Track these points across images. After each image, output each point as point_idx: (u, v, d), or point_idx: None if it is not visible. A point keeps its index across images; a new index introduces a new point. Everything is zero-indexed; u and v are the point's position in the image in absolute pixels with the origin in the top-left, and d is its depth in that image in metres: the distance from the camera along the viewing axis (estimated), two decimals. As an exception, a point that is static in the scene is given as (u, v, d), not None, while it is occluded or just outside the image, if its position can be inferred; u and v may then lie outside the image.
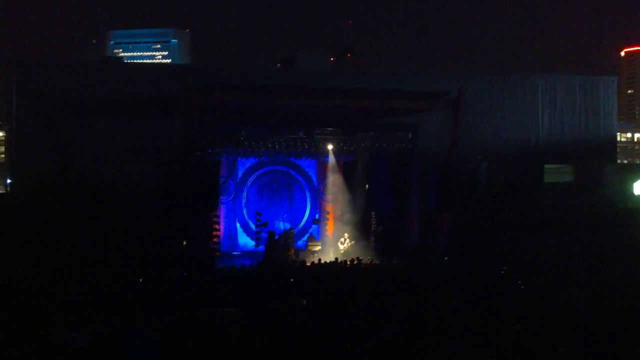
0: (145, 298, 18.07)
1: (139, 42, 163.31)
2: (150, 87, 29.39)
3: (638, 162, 79.29)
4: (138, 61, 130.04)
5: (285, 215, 33.81)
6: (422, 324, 14.89)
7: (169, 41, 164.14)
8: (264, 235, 30.66)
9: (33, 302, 15.32)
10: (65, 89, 28.98)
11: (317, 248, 31.33)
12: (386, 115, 29.81)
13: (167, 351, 12.59)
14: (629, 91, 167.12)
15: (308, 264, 25.80)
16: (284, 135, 30.02)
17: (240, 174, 33.48)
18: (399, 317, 15.46)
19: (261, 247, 30.65)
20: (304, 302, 16.82)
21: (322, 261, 26.69)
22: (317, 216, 34.20)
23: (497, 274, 22.04)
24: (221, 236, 31.36)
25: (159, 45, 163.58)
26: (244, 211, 33.48)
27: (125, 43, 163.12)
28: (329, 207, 34.17)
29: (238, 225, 33.38)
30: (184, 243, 27.16)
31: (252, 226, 32.62)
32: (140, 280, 20.82)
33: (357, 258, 26.15)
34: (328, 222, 33.95)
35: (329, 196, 34.03)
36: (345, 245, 31.35)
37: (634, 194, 35.38)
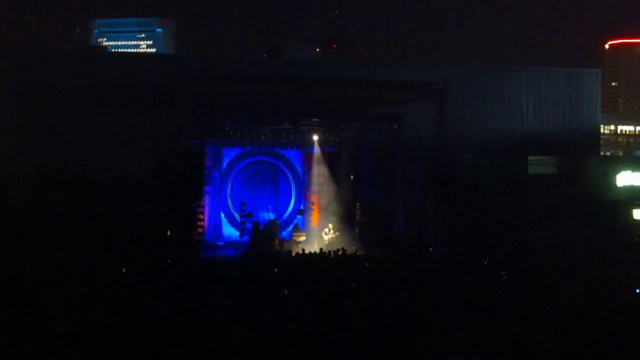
0: (128, 287, 18.01)
1: (123, 32, 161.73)
2: (136, 76, 29.12)
3: (621, 154, 79.90)
4: (123, 50, 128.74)
5: (270, 206, 33.75)
6: (413, 316, 14.96)
7: (153, 30, 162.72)
8: (249, 225, 30.62)
9: (19, 292, 15.23)
10: (49, 78, 28.65)
11: (302, 239, 31.31)
12: (372, 106, 29.81)
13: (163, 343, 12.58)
14: (613, 84, 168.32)
15: (293, 254, 25.81)
16: (270, 125, 29.92)
17: (225, 164, 33.36)
18: (389, 310, 15.52)
19: (245, 238, 30.62)
20: (285, 291, 16.84)
21: (307, 252, 26.71)
22: (302, 207, 34.18)
23: (481, 264, 22.20)
24: (205, 226, 31.30)
25: (143, 35, 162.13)
26: (229, 201, 33.39)
27: (110, 32, 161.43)
28: (313, 197, 34.16)
29: (222, 215, 33.30)
30: (168, 233, 27.04)
31: (237, 217, 32.54)
32: (123, 270, 20.73)
33: (343, 249, 26.21)
34: (313, 212, 33.95)
35: (314, 187, 34.01)
36: (330, 235, 31.38)
37: (616, 186, 35.67)
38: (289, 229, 33.14)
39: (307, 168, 34.15)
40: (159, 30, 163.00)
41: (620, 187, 35.88)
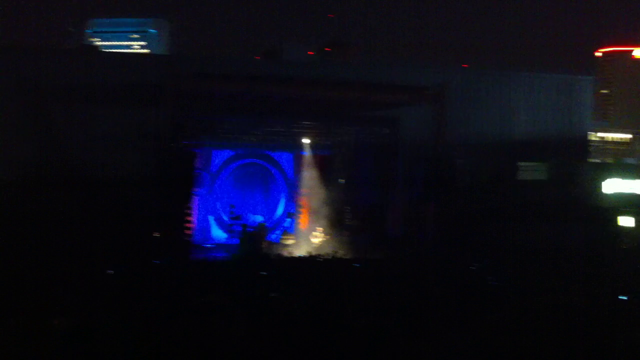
0: (116, 288, 17.90)
1: (117, 32, 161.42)
2: (128, 76, 29.03)
3: (610, 161, 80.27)
4: (116, 51, 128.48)
5: (259, 209, 33.67)
6: (408, 316, 14.94)
7: (147, 31, 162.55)
8: (237, 228, 30.51)
9: (9, 292, 15.14)
10: (42, 76, 28.56)
11: (291, 242, 31.24)
12: (367, 108, 29.78)
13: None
14: (604, 91, 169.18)
15: (281, 257, 25.72)
16: (261, 128, 29.84)
17: (215, 166, 33.25)
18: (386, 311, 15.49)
19: (234, 240, 30.52)
20: (273, 295, 16.76)
21: (295, 255, 26.63)
22: (291, 210, 34.10)
23: (469, 270, 22.18)
24: (194, 228, 31.17)
25: (137, 35, 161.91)
26: (218, 204, 33.27)
27: (104, 32, 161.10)
28: (303, 200, 34.08)
29: (211, 217, 33.16)
30: (157, 234, 26.91)
31: (226, 219, 32.43)
32: (111, 271, 20.58)
33: (334, 252, 26.16)
34: (302, 215, 33.86)
35: (304, 190, 33.93)
36: (319, 239, 31.30)
37: (605, 193, 35.79)
38: (278, 231, 33.04)
39: (298, 171, 34.08)
40: (153, 31, 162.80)
41: (609, 194, 36.02)
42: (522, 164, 35.00)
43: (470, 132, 33.49)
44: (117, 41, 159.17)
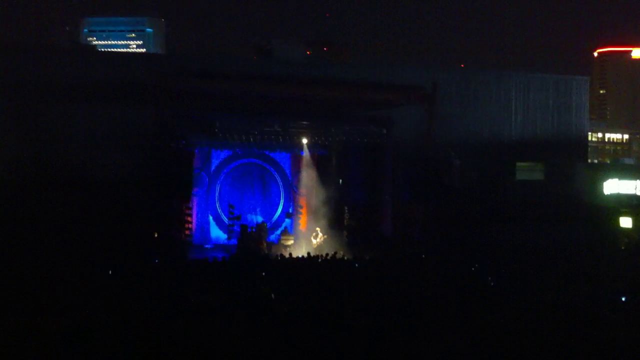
0: (116, 288, 17.92)
1: (113, 31, 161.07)
2: (125, 75, 29.00)
3: (608, 161, 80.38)
4: (113, 50, 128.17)
5: (258, 209, 33.67)
6: (402, 317, 14.98)
7: (143, 30, 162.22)
8: (237, 228, 30.53)
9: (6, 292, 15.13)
10: (37, 75, 28.51)
11: (290, 242, 31.25)
12: (362, 108, 29.82)
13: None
14: (601, 91, 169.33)
15: (280, 257, 25.75)
16: (259, 127, 29.85)
17: (213, 166, 33.26)
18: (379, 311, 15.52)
19: (233, 241, 30.53)
20: (272, 295, 16.79)
21: (295, 255, 26.65)
22: (290, 210, 34.11)
23: (468, 271, 22.23)
24: (193, 228, 31.17)
25: (133, 34, 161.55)
26: (217, 204, 33.26)
27: (100, 31, 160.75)
28: (302, 201, 34.10)
29: (210, 218, 33.16)
30: (155, 234, 26.93)
31: (225, 219, 32.43)
32: (110, 272, 20.59)
33: (335, 253, 26.18)
34: (301, 216, 33.89)
35: (303, 190, 33.96)
36: (318, 239, 31.32)
37: (603, 193, 35.88)
38: (278, 232, 33.06)
39: (296, 171, 34.10)
40: (148, 30, 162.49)
41: (608, 195, 36.09)
42: (519, 164, 35.07)
43: (467, 132, 33.55)
44: (114, 40, 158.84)
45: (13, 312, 13.99)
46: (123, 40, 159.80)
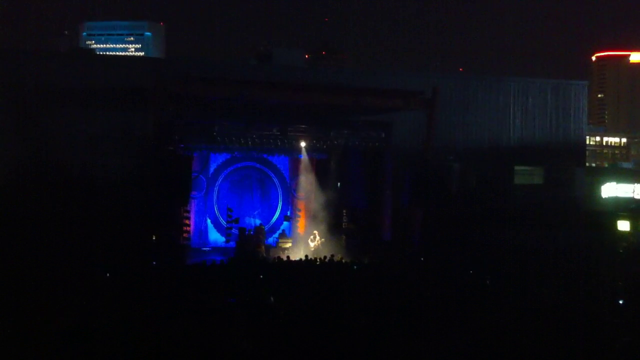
0: (115, 290, 17.93)
1: (112, 35, 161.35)
2: (124, 79, 29.13)
3: (606, 165, 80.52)
4: (111, 53, 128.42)
5: (256, 212, 33.67)
6: (401, 318, 15.00)
7: (142, 34, 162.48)
8: (235, 231, 30.52)
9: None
10: (37, 78, 28.62)
11: (288, 245, 31.25)
12: (361, 113, 29.91)
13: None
14: (599, 95, 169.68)
15: (278, 261, 25.77)
16: (258, 131, 29.90)
17: (212, 169, 33.28)
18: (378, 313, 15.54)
19: (232, 244, 30.52)
20: (272, 299, 16.80)
21: (292, 259, 26.65)
22: (288, 213, 34.13)
23: (467, 273, 22.24)
24: (191, 231, 31.16)
25: (132, 38, 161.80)
26: (215, 207, 33.27)
27: (99, 35, 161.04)
28: (300, 204, 34.12)
29: (209, 221, 33.17)
30: (153, 237, 26.92)
31: (223, 222, 32.43)
32: (107, 274, 20.59)
33: (332, 256, 26.19)
34: (299, 219, 33.91)
35: (301, 193, 33.98)
36: (316, 242, 31.33)
37: (601, 197, 35.94)
38: (276, 235, 33.06)
39: (295, 174, 34.12)
40: (147, 34, 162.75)
41: (606, 198, 36.16)
42: (517, 168, 35.17)
43: (466, 136, 33.67)
44: (113, 44, 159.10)
45: (13, 313, 14.01)
46: (121, 44, 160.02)
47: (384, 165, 31.24)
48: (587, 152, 41.97)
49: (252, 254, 28.47)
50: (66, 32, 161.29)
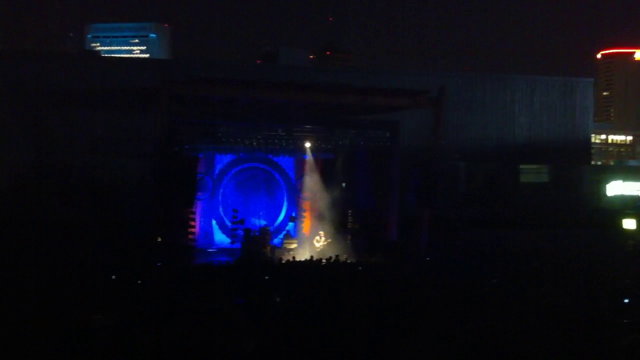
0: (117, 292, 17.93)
1: (117, 37, 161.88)
2: (129, 81, 29.21)
3: (612, 163, 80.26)
4: (117, 55, 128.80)
5: (261, 213, 33.65)
6: (404, 318, 14.94)
7: (147, 36, 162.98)
8: (240, 232, 30.52)
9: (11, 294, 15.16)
10: (42, 80, 28.72)
11: (294, 246, 31.23)
12: (367, 112, 29.86)
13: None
14: (605, 93, 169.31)
15: (284, 261, 25.75)
16: (263, 132, 29.90)
17: (217, 170, 33.28)
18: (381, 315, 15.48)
19: (237, 244, 30.52)
20: (277, 299, 16.76)
21: (297, 259, 26.65)
22: (293, 214, 34.10)
23: (471, 272, 22.17)
24: (197, 233, 31.18)
25: (137, 40, 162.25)
26: (220, 208, 33.29)
27: (104, 37, 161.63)
28: (306, 204, 34.08)
29: (214, 222, 33.18)
30: (159, 239, 26.95)
31: (228, 223, 32.43)
32: (113, 277, 20.61)
33: (337, 256, 26.16)
34: (305, 219, 33.86)
35: (306, 194, 33.93)
36: (321, 243, 31.30)
37: (607, 195, 35.83)
38: (281, 235, 33.04)
39: (300, 175, 34.09)
40: (152, 35, 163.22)
41: (611, 196, 36.03)
42: (523, 166, 35.09)
43: (472, 135, 33.60)
44: (118, 46, 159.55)
45: (15, 314, 14.01)
46: (126, 46, 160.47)
47: (390, 165, 31.16)
48: (592, 150, 41.89)
49: (258, 254, 28.48)
50: (71, 35, 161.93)
